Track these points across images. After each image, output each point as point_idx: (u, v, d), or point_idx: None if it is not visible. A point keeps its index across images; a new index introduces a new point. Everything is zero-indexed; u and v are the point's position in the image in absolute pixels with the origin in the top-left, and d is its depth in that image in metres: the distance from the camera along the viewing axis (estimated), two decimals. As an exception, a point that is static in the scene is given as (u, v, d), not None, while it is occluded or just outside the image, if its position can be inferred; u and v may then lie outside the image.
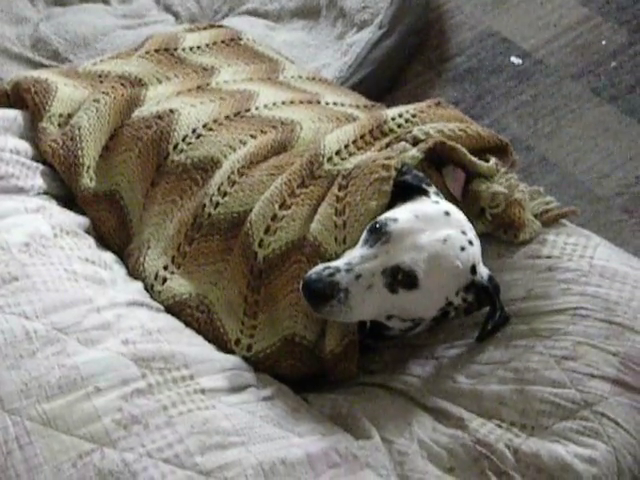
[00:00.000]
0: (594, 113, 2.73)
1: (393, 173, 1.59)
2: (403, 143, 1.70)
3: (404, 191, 1.60)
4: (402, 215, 1.52)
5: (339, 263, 1.49)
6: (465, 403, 1.55)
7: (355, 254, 1.50)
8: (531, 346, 1.58)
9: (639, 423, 1.50)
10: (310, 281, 1.47)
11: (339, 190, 1.65)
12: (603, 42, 2.91)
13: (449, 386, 1.58)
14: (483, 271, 1.58)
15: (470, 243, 1.55)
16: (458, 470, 1.46)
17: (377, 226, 1.51)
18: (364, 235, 1.53)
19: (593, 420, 1.48)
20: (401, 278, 1.49)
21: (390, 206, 1.59)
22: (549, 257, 1.71)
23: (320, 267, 1.49)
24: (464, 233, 1.55)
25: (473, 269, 1.55)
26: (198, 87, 2.00)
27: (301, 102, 2.00)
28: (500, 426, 1.50)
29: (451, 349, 1.65)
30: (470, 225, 1.59)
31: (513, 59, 2.92)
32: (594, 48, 2.92)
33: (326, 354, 1.60)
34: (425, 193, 1.58)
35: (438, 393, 1.58)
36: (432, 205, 1.56)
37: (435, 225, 1.52)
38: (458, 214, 1.58)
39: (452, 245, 1.51)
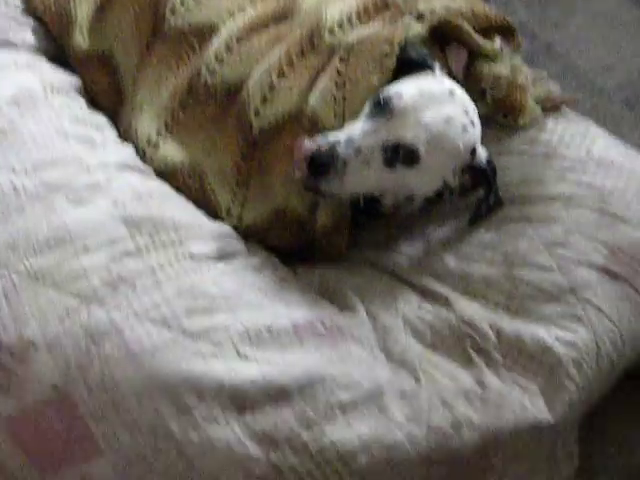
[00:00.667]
0: (605, 3, 2.68)
1: (396, 49, 1.56)
2: (408, 18, 1.66)
3: (407, 68, 1.56)
4: (407, 90, 1.49)
5: (339, 135, 1.47)
6: (452, 283, 1.56)
7: (356, 127, 1.48)
8: (522, 231, 1.59)
9: (622, 312, 1.52)
10: (307, 149, 1.44)
11: (340, 63, 1.61)
12: None
13: (437, 266, 1.59)
14: (482, 153, 1.56)
15: (472, 124, 1.53)
16: (440, 347, 1.47)
17: (380, 100, 1.48)
18: (366, 108, 1.50)
19: (577, 305, 1.49)
20: (401, 154, 1.47)
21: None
22: (547, 144, 1.70)
23: (320, 140, 1.46)
24: (467, 113, 1.52)
25: (473, 151, 1.54)
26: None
27: (305, -27, 1.93)
28: (485, 307, 1.51)
29: (441, 230, 1.65)
30: (473, 106, 1.56)
31: (524, -57, 2.83)
32: (607, -64, 2.82)
33: (317, 228, 1.60)
34: (430, 69, 1.55)
35: (426, 272, 1.59)
36: (437, 83, 1.53)
37: (439, 103, 1.49)
38: (462, 94, 1.55)
39: (454, 125, 1.49)
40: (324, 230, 1.60)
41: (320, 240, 1.62)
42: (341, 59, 1.61)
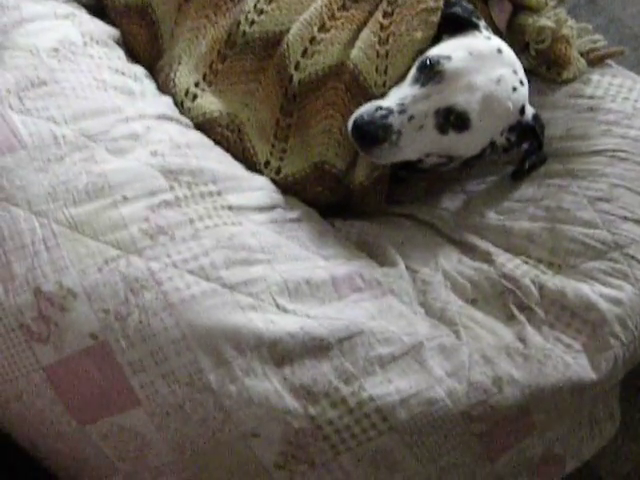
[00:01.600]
0: (649, -45, 2.59)
1: (441, 4, 1.53)
2: None
3: (452, 23, 1.53)
4: (455, 53, 1.46)
5: (391, 103, 1.44)
6: (493, 238, 1.54)
7: (406, 93, 1.46)
8: (565, 185, 1.56)
9: (668, 268, 1.49)
10: (363, 122, 1.44)
11: (383, 17, 1.58)
12: None
13: (478, 221, 1.57)
14: (529, 110, 1.54)
15: (521, 83, 1.51)
16: (481, 302, 1.46)
17: (429, 63, 1.45)
18: (414, 72, 1.48)
19: (622, 262, 1.47)
20: (453, 119, 1.46)
21: (436, 39, 1.53)
22: (592, 97, 1.66)
23: (371, 107, 1.45)
24: (515, 72, 1.50)
25: (522, 109, 1.52)
26: None
27: None
28: (527, 262, 1.50)
29: (482, 184, 1.63)
30: (520, 63, 1.53)
31: None
32: None
33: (355, 185, 1.58)
34: (476, 27, 1.52)
35: (466, 227, 1.57)
36: (485, 41, 1.50)
37: (488, 64, 1.46)
38: (509, 51, 1.52)
39: (505, 85, 1.47)
40: (362, 187, 1.58)
41: (358, 196, 1.60)
42: (385, 13, 1.58)
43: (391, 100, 1.46)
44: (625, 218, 1.50)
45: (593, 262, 1.47)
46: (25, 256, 1.31)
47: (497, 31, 1.63)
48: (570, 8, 2.36)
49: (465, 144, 1.50)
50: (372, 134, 1.43)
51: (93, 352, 1.29)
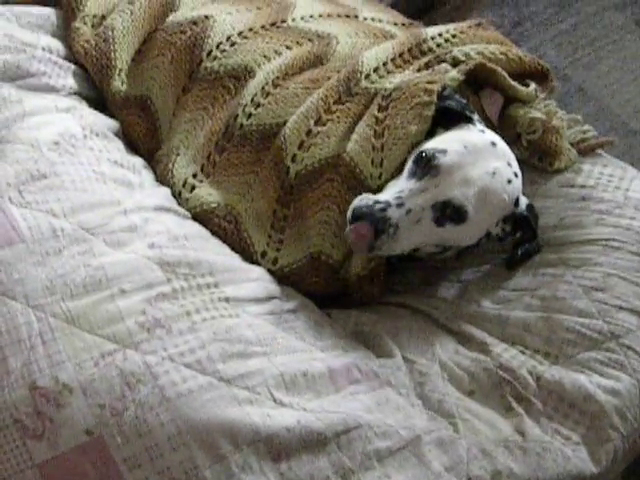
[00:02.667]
0: (636, 45, 2.67)
1: (435, 98, 1.56)
2: (444, 65, 1.65)
3: (446, 116, 1.56)
4: (451, 146, 1.49)
5: (388, 197, 1.47)
6: (489, 328, 1.54)
7: (403, 186, 1.48)
8: (560, 275, 1.57)
9: (665, 358, 1.49)
10: (361, 214, 1.45)
11: (379, 111, 1.61)
12: (650, -28, 2.82)
13: (474, 310, 1.57)
14: (523, 201, 1.57)
15: (515, 175, 1.53)
16: (479, 394, 1.46)
17: (425, 157, 1.48)
18: (410, 166, 1.50)
19: (619, 352, 1.47)
20: (450, 213, 1.48)
21: (431, 132, 1.56)
22: (583, 186, 1.68)
23: (368, 200, 1.46)
24: (510, 165, 1.53)
25: (517, 201, 1.55)
26: (234, -6, 1.94)
27: (338, 15, 1.95)
28: (524, 352, 1.50)
29: (478, 273, 1.64)
30: (514, 156, 1.56)
31: (555, -15, 2.84)
32: (639, -22, 2.82)
33: (351, 275, 1.59)
34: (470, 120, 1.55)
35: (462, 316, 1.58)
36: (479, 135, 1.53)
37: (483, 157, 1.49)
38: (503, 144, 1.55)
39: (500, 178, 1.50)
40: (358, 278, 1.59)
41: (354, 287, 1.61)
42: (380, 107, 1.62)
43: (388, 193, 1.48)
44: (620, 307, 1.51)
45: (590, 352, 1.47)
46: (21, 350, 1.31)
47: (489, 123, 1.66)
48: (560, 96, 2.42)
49: (461, 235, 1.51)
50: (372, 229, 1.44)
51: (88, 448, 1.28)
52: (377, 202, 1.46)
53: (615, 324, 1.49)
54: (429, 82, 1.58)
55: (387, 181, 1.55)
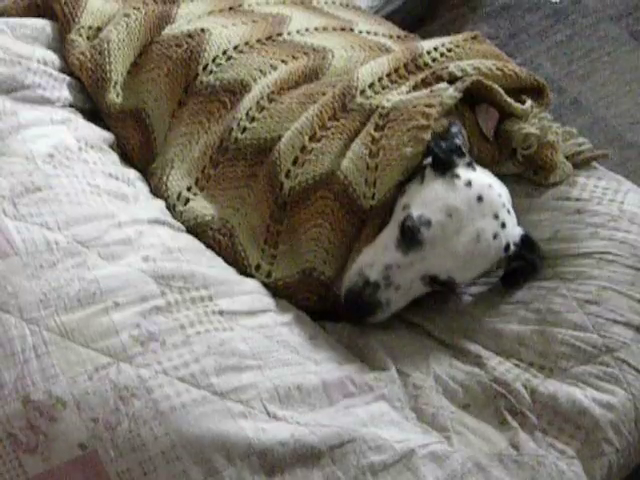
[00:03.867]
0: (630, 57, 2.68)
1: (432, 122, 1.57)
2: (443, 86, 1.65)
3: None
4: (435, 216, 1.50)
5: (376, 276, 1.50)
6: (484, 341, 1.54)
7: (391, 261, 1.51)
8: (554, 288, 1.57)
9: (660, 372, 1.49)
10: (353, 298, 1.51)
11: (375, 130, 1.62)
12: (645, -15, 2.83)
13: (468, 323, 1.58)
14: (516, 235, 1.57)
15: (503, 225, 1.54)
16: (473, 407, 1.46)
17: (410, 227, 1.49)
18: (397, 234, 1.52)
19: (613, 366, 1.47)
20: (439, 282, 1.53)
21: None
22: (578, 199, 1.69)
23: (359, 280, 1.51)
24: (496, 216, 1.54)
25: (507, 247, 1.56)
26: (230, 8, 1.95)
27: (334, 29, 1.95)
28: (518, 366, 1.50)
29: (473, 287, 1.64)
30: (504, 196, 1.57)
31: (551, -3, 2.85)
32: (634, -10, 2.84)
33: (342, 294, 1.59)
34: (455, 170, 1.54)
35: (457, 330, 1.58)
36: (465, 192, 1.53)
37: (468, 221, 1.51)
38: (490, 192, 1.54)
39: (485, 239, 1.52)
40: None
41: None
42: (377, 126, 1.62)
43: (375, 271, 1.51)
44: (615, 321, 1.51)
45: (584, 366, 1.47)
46: (15, 364, 1.31)
47: (485, 138, 1.66)
48: (555, 108, 2.43)
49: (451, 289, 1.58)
50: (363, 310, 1.52)
51: (81, 462, 1.27)
52: (366, 285, 1.50)
53: (610, 338, 1.49)
54: (427, 105, 1.58)
55: (380, 202, 1.56)
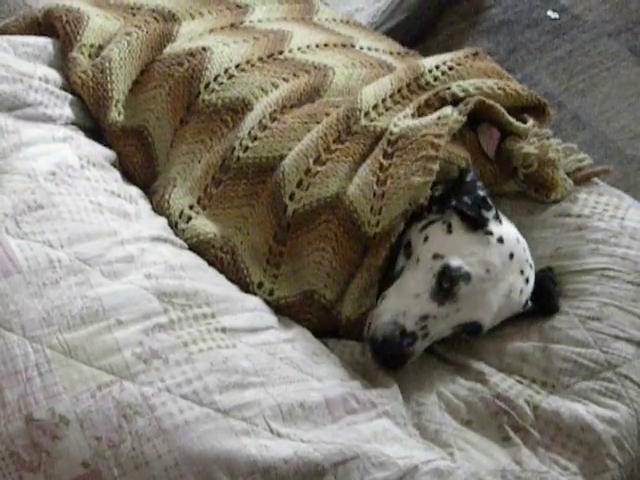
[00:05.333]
0: (630, 72, 2.69)
1: (441, 153, 1.57)
2: (448, 110, 1.65)
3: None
4: (474, 270, 1.51)
5: (414, 327, 1.49)
6: (486, 358, 1.55)
7: (426, 311, 1.50)
8: (557, 305, 1.58)
9: (662, 387, 1.49)
10: (387, 350, 1.49)
11: (384, 158, 1.62)
12: (643, 0, 2.85)
13: (471, 341, 1.57)
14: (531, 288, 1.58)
15: (527, 281, 1.56)
16: (476, 423, 1.46)
17: (450, 278, 1.50)
18: (431, 283, 1.51)
19: (616, 382, 1.47)
20: (467, 329, 1.54)
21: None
22: (579, 216, 1.69)
23: (394, 329, 1.49)
24: (522, 272, 1.56)
25: (526, 303, 1.58)
26: (231, 25, 1.95)
27: (335, 45, 1.96)
28: (521, 382, 1.50)
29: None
30: (527, 255, 1.58)
31: (550, 13, 2.87)
32: (633, 6, 2.86)
33: (342, 318, 1.60)
34: (486, 226, 1.55)
35: (459, 347, 1.58)
36: (498, 249, 1.53)
37: (502, 276, 1.53)
38: (518, 248, 1.56)
39: (514, 293, 1.55)
40: (349, 322, 1.60)
41: (345, 329, 1.62)
42: (385, 153, 1.62)
43: (411, 320, 1.50)
44: (617, 337, 1.52)
45: (587, 382, 1.48)
46: (18, 382, 1.31)
47: (486, 158, 1.67)
48: (555, 123, 2.43)
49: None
50: (398, 362, 1.51)
51: (84, 481, 1.27)
52: (404, 336, 1.49)
53: (612, 353, 1.50)
54: (436, 136, 1.59)
55: (384, 230, 1.56)
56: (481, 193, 1.58)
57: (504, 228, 1.57)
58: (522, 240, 1.59)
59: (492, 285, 1.51)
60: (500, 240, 1.54)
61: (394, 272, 1.60)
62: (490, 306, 1.52)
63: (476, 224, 1.54)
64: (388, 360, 1.51)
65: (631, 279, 1.58)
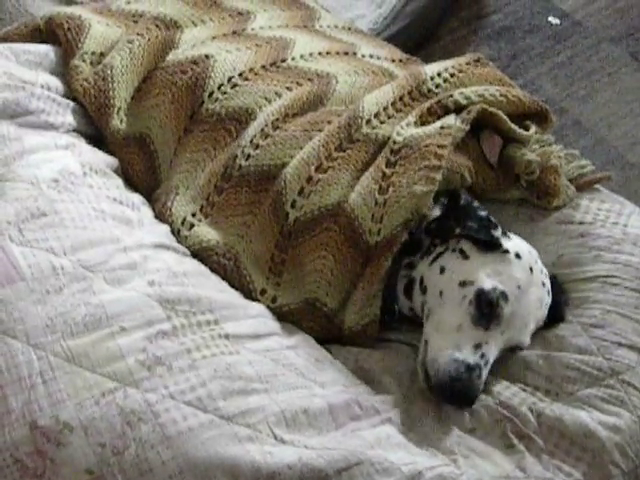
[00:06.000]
0: (631, 78, 2.70)
1: (444, 163, 1.57)
2: (451, 119, 1.66)
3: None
4: (508, 288, 1.50)
5: (473, 359, 1.46)
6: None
7: (476, 339, 1.48)
8: (559, 313, 1.58)
9: (665, 394, 1.49)
10: (458, 387, 1.45)
11: (387, 166, 1.62)
12: (644, 5, 2.85)
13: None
14: (550, 298, 1.58)
15: (548, 293, 1.56)
16: (480, 431, 1.46)
17: (489, 300, 1.48)
18: (468, 311, 1.49)
19: (619, 389, 1.47)
20: (514, 349, 1.54)
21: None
22: (582, 223, 1.69)
23: (460, 366, 1.45)
24: (544, 285, 1.55)
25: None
26: (234, 32, 1.96)
27: (337, 53, 1.96)
28: (524, 390, 1.50)
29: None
30: (538, 258, 1.57)
31: (551, 19, 2.87)
32: (634, 12, 2.86)
33: (345, 328, 1.60)
34: (499, 245, 1.54)
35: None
36: (519, 265, 1.53)
37: (530, 290, 1.52)
38: (534, 261, 1.56)
39: (544, 306, 1.55)
40: (351, 332, 1.60)
41: (347, 339, 1.62)
42: (388, 162, 1.62)
43: (466, 349, 1.47)
44: (619, 344, 1.52)
45: (590, 389, 1.48)
46: (22, 389, 1.31)
47: (489, 165, 1.67)
48: (556, 129, 2.44)
49: None
50: (472, 397, 1.46)
51: (89, 488, 1.27)
52: (469, 367, 1.45)
53: (615, 361, 1.50)
54: (440, 146, 1.59)
55: (385, 238, 1.56)
56: (482, 213, 1.58)
57: (515, 242, 1.56)
58: (533, 251, 1.58)
59: (526, 302, 1.51)
60: (517, 256, 1.53)
61: (419, 313, 1.58)
62: (529, 322, 1.52)
63: (489, 245, 1.53)
64: (460, 399, 1.46)
65: (634, 286, 1.58)
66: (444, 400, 1.47)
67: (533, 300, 1.52)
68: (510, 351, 1.53)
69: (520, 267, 1.52)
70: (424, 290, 1.56)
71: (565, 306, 1.60)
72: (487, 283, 1.49)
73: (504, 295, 1.49)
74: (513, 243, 1.56)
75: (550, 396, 1.48)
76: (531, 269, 1.54)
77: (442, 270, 1.54)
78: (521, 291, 1.50)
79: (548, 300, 1.56)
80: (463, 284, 1.51)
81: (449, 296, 1.52)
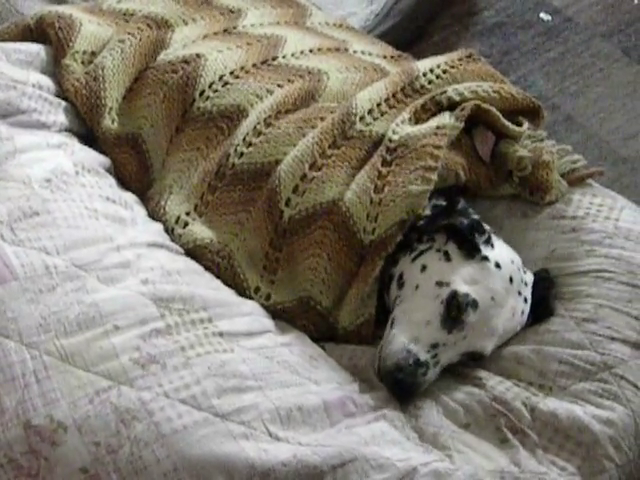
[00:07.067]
0: (623, 73, 2.70)
1: (439, 164, 1.58)
2: (446, 117, 1.66)
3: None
4: (481, 297, 1.50)
5: (425, 355, 1.48)
6: (483, 362, 1.54)
7: (437, 339, 1.49)
8: (552, 308, 1.58)
9: (658, 387, 1.50)
10: (402, 379, 1.47)
11: (382, 165, 1.62)
12: (635, 1, 2.85)
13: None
14: (528, 304, 1.58)
15: (525, 300, 1.57)
16: (474, 426, 1.46)
17: (458, 304, 1.49)
18: (440, 309, 1.50)
19: (612, 382, 1.47)
20: (474, 357, 1.54)
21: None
22: (574, 217, 1.70)
23: (407, 357, 1.47)
24: (520, 293, 1.56)
25: (527, 319, 1.58)
26: (224, 30, 1.96)
27: (328, 49, 1.96)
28: (518, 385, 1.50)
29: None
30: (520, 266, 1.58)
31: (542, 15, 2.87)
32: (625, 7, 2.87)
33: (339, 328, 1.60)
34: (480, 250, 1.54)
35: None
36: (499, 275, 1.53)
37: (505, 301, 1.53)
38: (514, 270, 1.56)
39: (517, 315, 1.55)
40: (345, 332, 1.60)
41: (341, 338, 1.62)
42: (384, 161, 1.62)
43: (424, 346, 1.48)
44: (612, 338, 1.52)
45: (583, 383, 1.48)
46: (15, 389, 1.31)
47: (481, 161, 1.67)
48: (548, 125, 2.44)
49: None
50: (410, 391, 1.48)
51: (83, 487, 1.27)
52: (417, 364, 1.47)
53: (608, 355, 1.50)
54: (435, 147, 1.59)
55: (379, 238, 1.56)
56: (476, 217, 1.59)
57: (497, 251, 1.56)
58: (516, 259, 1.58)
59: (497, 312, 1.51)
60: (497, 265, 1.54)
61: (388, 303, 1.59)
62: (495, 332, 1.52)
63: (471, 249, 1.53)
64: (404, 390, 1.48)
65: (626, 280, 1.58)
66: (386, 386, 1.49)
67: (506, 311, 1.53)
68: (471, 357, 1.53)
69: (499, 277, 1.53)
70: (401, 285, 1.57)
71: (555, 300, 1.60)
72: (462, 287, 1.50)
73: (475, 303, 1.49)
74: (495, 252, 1.55)
75: (544, 391, 1.48)
76: (511, 279, 1.54)
77: (423, 268, 1.55)
78: (494, 302, 1.51)
79: (525, 308, 1.56)
80: (440, 284, 1.52)
81: (424, 291, 1.53)
